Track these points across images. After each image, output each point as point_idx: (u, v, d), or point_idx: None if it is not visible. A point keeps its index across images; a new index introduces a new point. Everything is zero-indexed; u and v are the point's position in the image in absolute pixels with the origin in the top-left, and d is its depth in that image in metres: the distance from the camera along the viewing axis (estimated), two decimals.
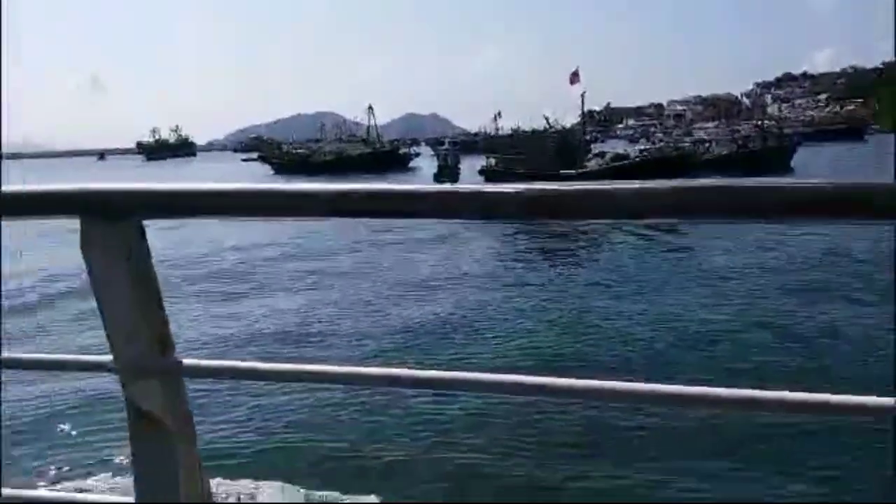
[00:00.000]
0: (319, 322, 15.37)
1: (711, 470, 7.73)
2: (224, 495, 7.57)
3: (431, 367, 1.17)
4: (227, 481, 7.90)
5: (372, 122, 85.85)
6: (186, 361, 1.25)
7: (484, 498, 7.72)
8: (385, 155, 74.85)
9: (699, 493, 7.35)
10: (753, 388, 1.02)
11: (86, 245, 1.17)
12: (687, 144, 57.93)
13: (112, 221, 1.16)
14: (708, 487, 7.39)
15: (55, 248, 22.32)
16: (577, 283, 18.86)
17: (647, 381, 1.06)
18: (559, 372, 1.12)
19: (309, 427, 9.67)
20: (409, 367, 1.17)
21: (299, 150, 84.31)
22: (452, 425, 9.39)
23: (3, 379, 11.82)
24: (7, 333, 15.94)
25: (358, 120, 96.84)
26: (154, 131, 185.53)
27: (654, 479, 7.67)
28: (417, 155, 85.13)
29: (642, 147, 56.57)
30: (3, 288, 20.39)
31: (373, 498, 6.19)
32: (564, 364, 11.58)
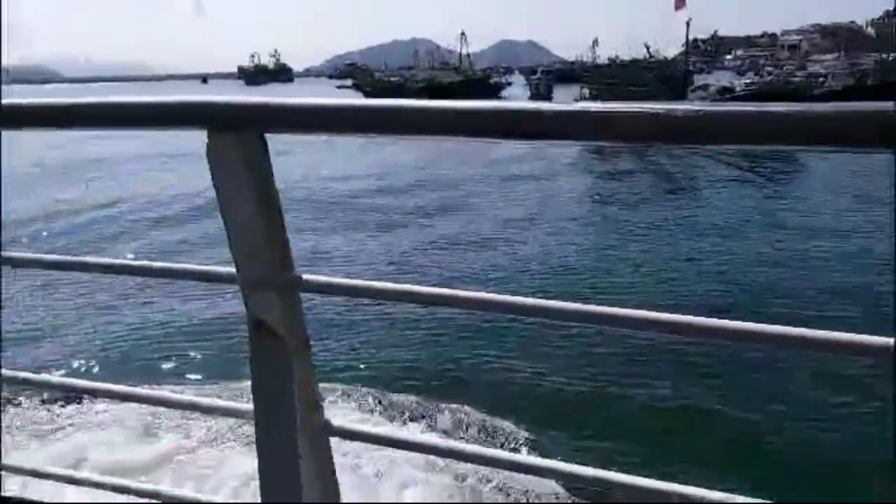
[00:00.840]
0: (409, 256, 15.80)
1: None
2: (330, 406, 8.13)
3: (528, 296, 1.18)
4: (338, 394, 8.46)
5: (464, 50, 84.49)
6: (306, 276, 1.27)
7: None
8: (476, 83, 73.95)
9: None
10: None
11: (212, 157, 1.19)
12: (798, 78, 54.05)
13: (238, 134, 1.17)
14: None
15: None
16: (674, 223, 18.46)
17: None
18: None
19: (414, 345, 10.24)
20: (510, 295, 1.18)
21: (392, 78, 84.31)
22: (544, 348, 9.76)
23: (131, 285, 12.93)
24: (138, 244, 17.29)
25: (452, 48, 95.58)
26: (253, 56, 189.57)
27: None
28: (509, 84, 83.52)
29: (749, 80, 53.39)
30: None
31: None
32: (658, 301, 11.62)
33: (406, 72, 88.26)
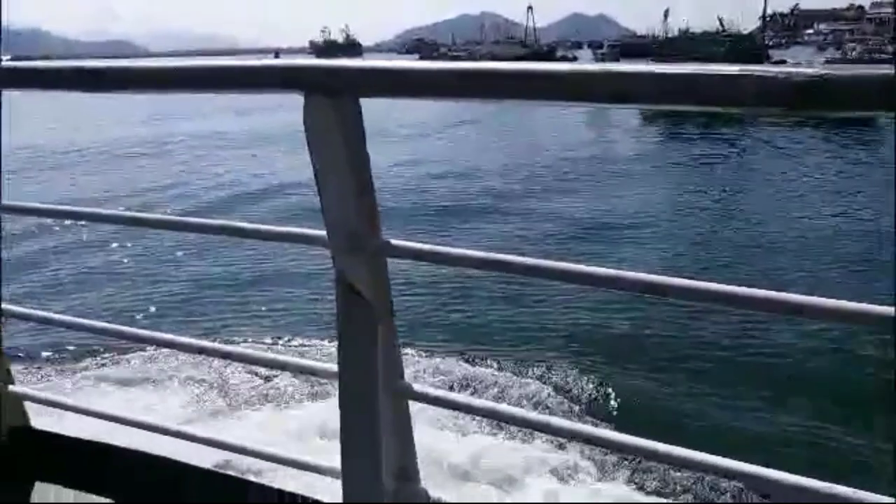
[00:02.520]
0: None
1: None
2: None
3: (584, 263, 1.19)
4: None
5: (530, 24, 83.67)
6: (393, 241, 1.28)
7: None
8: (541, 57, 73.25)
9: None
10: None
11: (308, 121, 1.19)
12: (887, 55, 51.27)
13: (334, 98, 1.17)
14: None
15: None
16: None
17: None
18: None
19: (495, 315, 10.29)
20: (582, 264, 1.18)
21: (456, 53, 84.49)
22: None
23: (224, 248, 13.24)
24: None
25: (520, 21, 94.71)
26: (324, 31, 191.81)
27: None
28: (575, 59, 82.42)
29: (830, 57, 51.13)
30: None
31: None
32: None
33: (472, 46, 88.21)
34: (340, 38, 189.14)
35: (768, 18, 64.50)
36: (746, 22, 62.52)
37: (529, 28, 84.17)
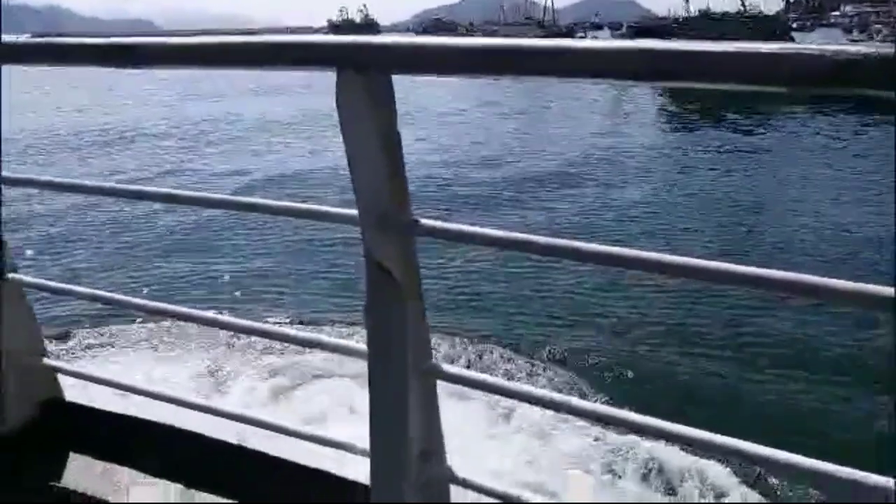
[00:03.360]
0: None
1: None
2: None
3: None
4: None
5: (548, 3, 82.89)
6: (423, 221, 1.28)
7: None
8: (559, 38, 72.74)
9: None
10: None
11: (340, 98, 1.18)
12: None
13: (366, 74, 1.15)
14: None
15: None
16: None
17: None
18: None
19: (526, 297, 10.30)
20: (615, 246, 1.17)
21: (474, 33, 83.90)
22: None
23: (256, 226, 13.32)
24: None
25: (538, 1, 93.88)
26: (342, 11, 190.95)
27: None
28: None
29: (855, 38, 50.24)
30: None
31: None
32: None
33: (489, 27, 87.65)
34: (358, 18, 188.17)
35: (792, 0, 63.24)
36: (770, 3, 61.56)
37: (549, 9, 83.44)
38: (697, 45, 0.91)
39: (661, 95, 33.68)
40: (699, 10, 62.87)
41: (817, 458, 1.07)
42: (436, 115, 30.18)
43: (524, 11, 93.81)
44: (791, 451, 1.08)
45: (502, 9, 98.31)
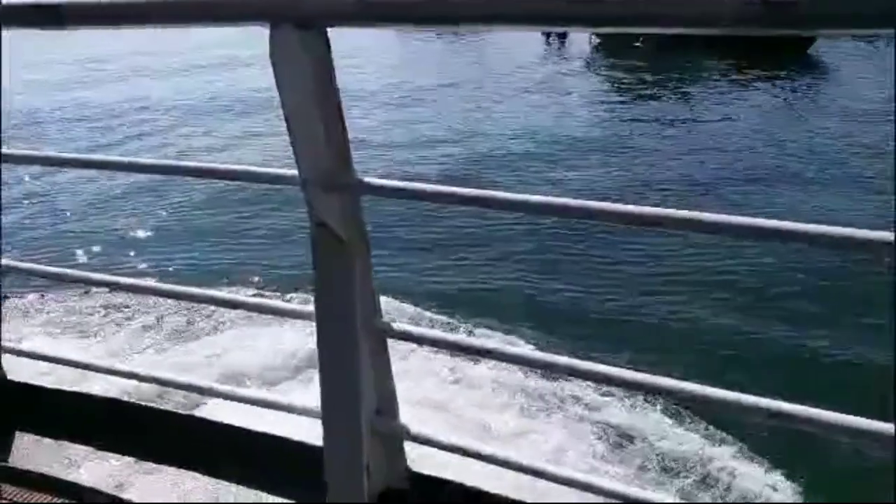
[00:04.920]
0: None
1: None
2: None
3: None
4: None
5: None
6: (367, 179, 1.26)
7: None
8: None
9: None
10: None
11: (275, 54, 1.15)
12: None
13: (302, 29, 1.12)
14: None
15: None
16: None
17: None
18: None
19: (478, 254, 9.94)
20: (565, 197, 1.17)
21: None
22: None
23: (196, 187, 12.61)
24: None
25: None
26: None
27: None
28: None
29: None
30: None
31: None
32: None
33: None
34: None
35: None
36: None
37: None
38: None
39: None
40: None
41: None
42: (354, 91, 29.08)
43: None
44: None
45: None
